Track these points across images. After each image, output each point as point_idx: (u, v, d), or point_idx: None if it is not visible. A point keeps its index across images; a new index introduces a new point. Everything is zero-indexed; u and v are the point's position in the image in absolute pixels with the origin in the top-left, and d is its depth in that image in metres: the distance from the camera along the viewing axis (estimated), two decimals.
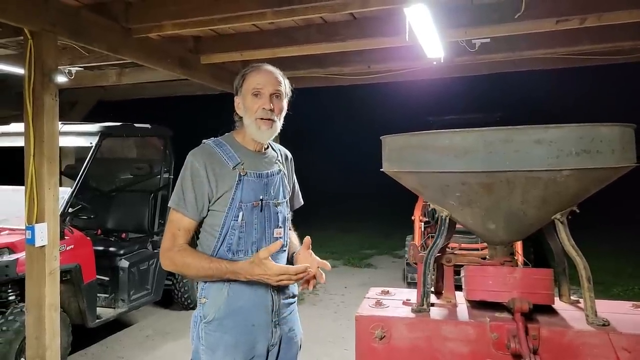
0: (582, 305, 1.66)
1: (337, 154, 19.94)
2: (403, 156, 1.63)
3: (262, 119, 1.70)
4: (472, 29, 3.75)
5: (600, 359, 1.45)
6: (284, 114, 1.77)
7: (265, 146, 1.81)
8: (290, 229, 1.98)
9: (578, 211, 1.60)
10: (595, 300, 1.57)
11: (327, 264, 1.72)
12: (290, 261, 1.83)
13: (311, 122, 18.22)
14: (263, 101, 1.70)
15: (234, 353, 1.67)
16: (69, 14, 3.28)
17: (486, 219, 1.61)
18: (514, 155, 1.40)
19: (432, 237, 5.75)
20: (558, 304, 1.70)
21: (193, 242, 1.75)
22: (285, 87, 1.76)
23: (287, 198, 1.84)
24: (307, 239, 1.74)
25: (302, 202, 2.01)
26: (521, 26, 3.66)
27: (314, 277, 1.69)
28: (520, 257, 4.25)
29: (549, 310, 1.64)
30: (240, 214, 1.67)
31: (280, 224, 1.77)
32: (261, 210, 1.71)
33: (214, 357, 1.67)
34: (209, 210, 1.70)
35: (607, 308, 1.63)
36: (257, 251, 1.68)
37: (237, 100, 1.77)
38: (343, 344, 4.35)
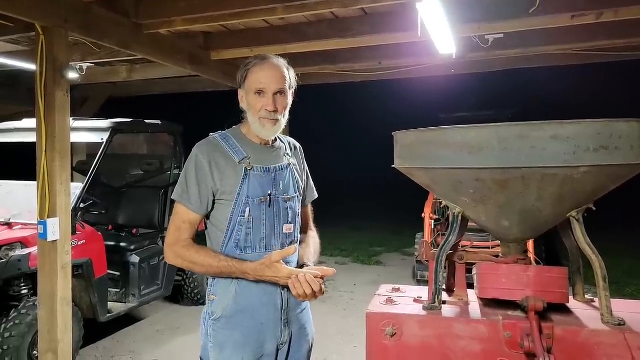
0: (597, 304, 1.62)
1: (347, 151, 19.91)
2: (415, 152, 1.61)
3: (265, 118, 1.66)
4: (485, 24, 3.70)
5: (615, 358, 1.42)
6: (288, 108, 1.73)
7: (273, 139, 1.77)
8: (312, 229, 1.95)
9: (594, 209, 1.57)
10: (611, 299, 1.53)
11: (330, 272, 1.66)
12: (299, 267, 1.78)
13: (322, 119, 18.22)
14: (266, 101, 1.65)
15: (242, 351, 1.65)
16: (80, 9, 3.29)
17: (500, 216, 1.58)
18: (529, 152, 1.37)
19: (442, 234, 5.70)
20: (572, 303, 1.67)
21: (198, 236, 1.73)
22: (290, 80, 1.71)
23: (299, 193, 1.79)
24: (332, 271, 1.65)
25: (316, 195, 1.96)
26: (536, 21, 3.60)
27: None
28: (531, 255, 4.19)
29: (563, 309, 1.61)
30: (247, 209, 1.63)
31: (290, 220, 1.72)
32: (269, 206, 1.67)
33: (222, 355, 1.66)
34: (215, 204, 1.67)
35: (623, 307, 1.60)
36: (265, 248, 1.66)
37: (241, 94, 1.73)
38: (352, 341, 4.34)
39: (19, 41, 4.45)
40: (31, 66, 4.41)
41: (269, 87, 1.65)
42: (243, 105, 1.73)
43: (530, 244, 4.89)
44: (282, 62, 1.71)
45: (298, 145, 1.90)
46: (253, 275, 1.59)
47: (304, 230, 1.89)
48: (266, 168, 1.70)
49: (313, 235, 1.92)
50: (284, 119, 1.71)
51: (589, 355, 1.44)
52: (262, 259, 1.60)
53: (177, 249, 1.66)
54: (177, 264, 1.69)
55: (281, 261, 1.58)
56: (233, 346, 1.65)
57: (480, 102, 11.69)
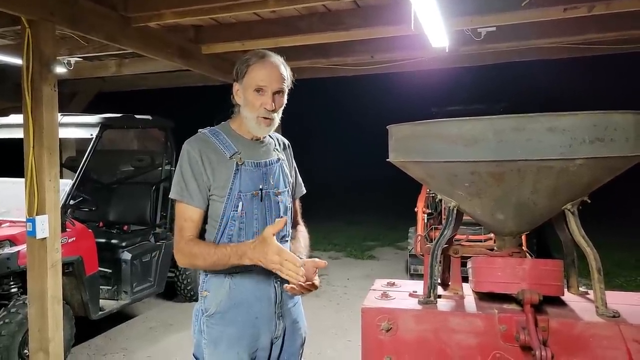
0: (591, 296, 1.63)
1: (339, 146, 19.91)
2: (410, 146, 1.60)
3: (262, 117, 1.66)
4: (478, 17, 3.68)
5: (610, 350, 1.42)
6: (283, 107, 1.73)
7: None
8: (300, 224, 1.94)
9: (589, 201, 1.56)
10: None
11: (321, 264, 1.65)
12: None
13: (314, 114, 18.19)
14: (265, 100, 1.64)
15: (237, 346, 1.64)
16: (67, 2, 3.22)
17: (495, 209, 1.57)
18: (525, 144, 1.36)
19: (435, 228, 5.68)
20: (567, 296, 1.67)
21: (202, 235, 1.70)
22: (288, 79, 1.71)
23: (289, 188, 1.80)
24: (324, 263, 1.64)
25: (305, 191, 1.96)
26: (528, 14, 3.59)
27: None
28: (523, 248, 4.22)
29: (558, 301, 1.61)
30: (240, 204, 1.63)
31: (281, 214, 1.73)
32: (261, 200, 1.67)
33: (216, 351, 1.65)
34: (209, 200, 1.66)
35: (617, 299, 1.60)
36: None
37: (237, 87, 1.71)
38: (346, 335, 4.35)
39: (5, 35, 4.37)
40: (17, 60, 4.33)
41: (270, 86, 1.65)
42: (238, 99, 1.72)
43: (522, 238, 4.92)
44: (281, 61, 1.71)
45: (287, 142, 1.91)
46: (249, 253, 1.51)
47: (293, 225, 1.89)
48: (257, 163, 1.70)
49: (302, 230, 1.92)
50: (278, 118, 1.71)
51: (584, 347, 1.44)
52: (256, 237, 1.55)
53: (180, 246, 1.64)
54: (183, 263, 1.66)
55: (274, 237, 1.50)
56: (228, 341, 1.64)
57: (472, 96, 11.74)
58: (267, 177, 1.71)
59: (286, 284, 1.58)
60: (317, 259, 1.64)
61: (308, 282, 1.55)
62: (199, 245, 1.62)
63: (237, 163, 1.65)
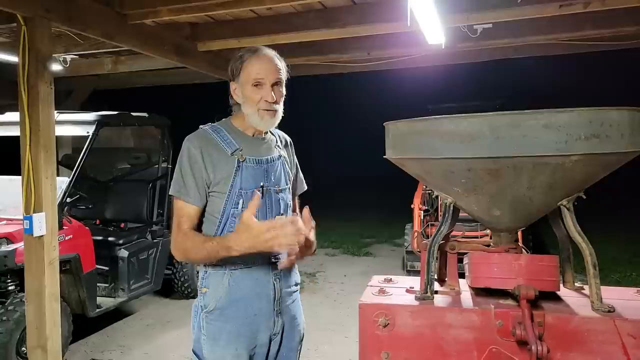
0: (586, 291, 1.64)
1: (336, 143, 19.91)
2: (407, 142, 1.60)
3: (265, 109, 1.66)
4: (474, 14, 3.69)
5: (605, 345, 1.43)
6: (283, 98, 1.73)
7: (264, 131, 1.76)
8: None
9: (585, 197, 1.58)
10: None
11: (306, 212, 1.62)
12: None
13: (311, 111, 18.17)
14: (265, 93, 1.64)
15: (235, 342, 1.65)
16: None
17: (491, 205, 1.58)
18: (521, 141, 1.37)
19: (432, 225, 5.69)
20: (562, 291, 1.68)
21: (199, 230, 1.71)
22: (284, 70, 1.71)
23: (289, 185, 1.80)
24: (306, 212, 1.60)
25: (306, 187, 1.96)
26: (524, 11, 3.60)
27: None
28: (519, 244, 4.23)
29: (554, 297, 1.63)
30: (241, 201, 1.63)
31: (282, 212, 1.73)
32: (262, 198, 1.67)
33: (215, 347, 1.66)
34: (208, 196, 1.66)
35: (612, 294, 1.61)
36: None
37: (234, 86, 1.71)
38: (343, 332, 4.36)
39: (0, 32, 4.34)
40: (13, 58, 4.32)
41: (267, 78, 1.65)
42: (237, 98, 1.71)
43: (519, 234, 4.94)
44: (274, 53, 1.71)
45: (289, 139, 1.90)
46: (234, 245, 1.50)
47: None
48: (258, 159, 1.69)
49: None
50: (281, 109, 1.71)
51: (580, 342, 1.45)
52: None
53: (176, 242, 1.64)
54: (179, 257, 1.66)
55: (253, 219, 1.47)
56: (227, 338, 1.65)
57: (467, 93, 11.76)
58: (269, 174, 1.71)
59: (281, 261, 1.57)
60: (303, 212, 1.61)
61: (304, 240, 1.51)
62: (192, 239, 1.61)
63: (238, 160, 1.65)
